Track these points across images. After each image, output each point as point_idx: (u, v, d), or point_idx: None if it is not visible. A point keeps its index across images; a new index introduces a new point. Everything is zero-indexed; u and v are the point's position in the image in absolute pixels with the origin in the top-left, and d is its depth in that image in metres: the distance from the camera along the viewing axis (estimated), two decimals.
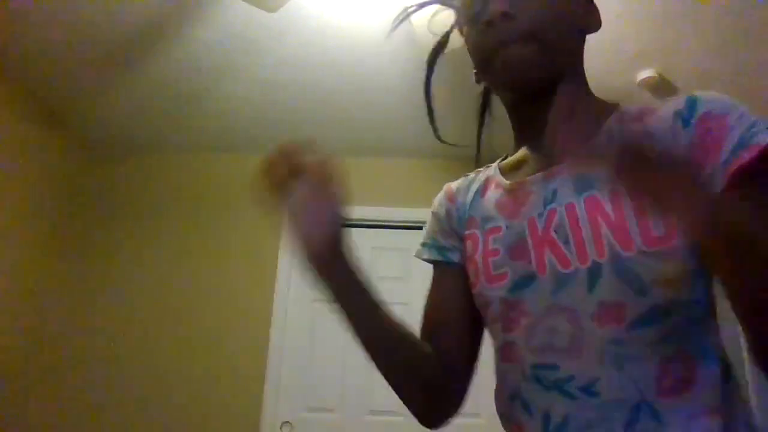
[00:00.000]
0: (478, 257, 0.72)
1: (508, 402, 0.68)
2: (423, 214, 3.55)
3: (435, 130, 0.85)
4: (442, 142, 0.86)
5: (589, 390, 0.59)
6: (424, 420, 0.76)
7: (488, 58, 0.69)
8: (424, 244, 0.84)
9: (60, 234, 3.19)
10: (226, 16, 2.31)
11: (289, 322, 3.14)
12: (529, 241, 0.67)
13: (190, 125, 3.15)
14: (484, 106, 0.86)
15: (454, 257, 0.79)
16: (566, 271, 0.63)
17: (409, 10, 0.85)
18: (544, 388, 0.62)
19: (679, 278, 0.58)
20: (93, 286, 3.19)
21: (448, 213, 0.82)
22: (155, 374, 3.02)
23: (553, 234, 0.65)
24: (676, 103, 0.63)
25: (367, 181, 3.36)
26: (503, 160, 0.81)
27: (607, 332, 0.59)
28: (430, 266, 0.84)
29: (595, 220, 0.62)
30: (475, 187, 0.80)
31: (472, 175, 0.84)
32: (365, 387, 2.98)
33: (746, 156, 0.55)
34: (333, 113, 2.98)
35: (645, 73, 2.51)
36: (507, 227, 0.70)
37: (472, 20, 0.71)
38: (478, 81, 0.79)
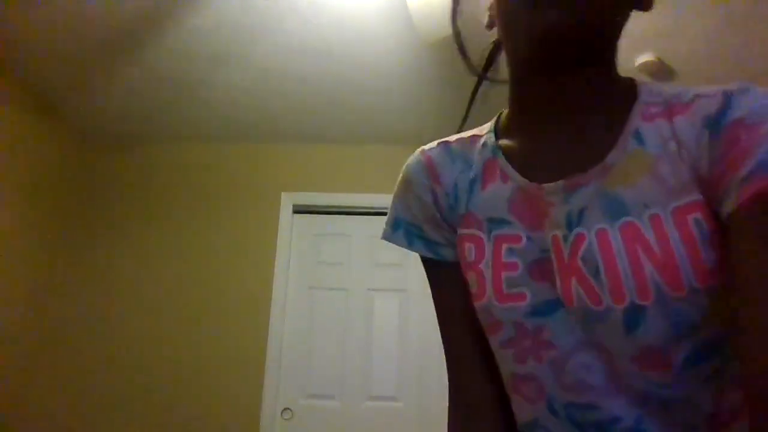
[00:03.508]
0: (484, 267, 0.60)
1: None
2: None
3: (464, 54, 0.68)
4: (465, 59, 0.68)
5: (635, 431, 0.54)
6: None
7: (523, 16, 0.54)
8: (405, 231, 0.68)
9: (57, 225, 3.18)
10: (222, 3, 2.29)
11: (288, 309, 3.15)
12: (555, 263, 0.56)
13: (186, 115, 3.13)
14: (489, 64, 0.69)
15: (448, 255, 0.66)
16: (597, 309, 0.53)
17: None
18: (578, 428, 0.56)
19: (728, 310, 0.50)
20: (91, 275, 3.19)
21: (435, 198, 0.66)
22: (156, 363, 3.03)
23: (579, 263, 0.53)
24: (709, 103, 0.52)
25: (366, 169, 3.36)
26: (496, 136, 0.63)
27: (653, 376, 0.52)
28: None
29: (635, 254, 0.51)
30: (469, 172, 0.64)
31: (454, 144, 0.67)
32: (364, 373, 2.99)
33: (764, 183, 0.45)
34: (331, 100, 2.97)
35: (643, 57, 2.50)
36: (528, 238, 0.57)
37: None
38: (490, 26, 0.63)
